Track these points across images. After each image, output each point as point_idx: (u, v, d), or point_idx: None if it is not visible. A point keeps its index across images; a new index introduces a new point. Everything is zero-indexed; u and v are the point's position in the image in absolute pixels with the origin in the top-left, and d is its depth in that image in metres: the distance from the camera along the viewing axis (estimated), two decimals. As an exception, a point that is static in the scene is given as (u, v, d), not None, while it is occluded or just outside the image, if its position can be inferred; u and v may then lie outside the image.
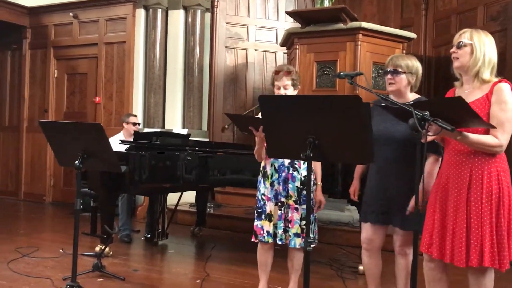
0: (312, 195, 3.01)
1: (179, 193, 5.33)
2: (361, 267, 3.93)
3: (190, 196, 5.82)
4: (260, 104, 2.34)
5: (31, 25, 7.71)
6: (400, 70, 2.70)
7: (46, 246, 4.67)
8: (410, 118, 2.11)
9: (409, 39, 5.34)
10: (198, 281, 3.69)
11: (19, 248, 4.47)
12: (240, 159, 4.34)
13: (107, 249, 4.16)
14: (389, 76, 2.72)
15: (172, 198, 5.28)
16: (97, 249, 4.19)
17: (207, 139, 6.48)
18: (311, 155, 2.20)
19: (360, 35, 4.99)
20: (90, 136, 3.02)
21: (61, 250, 4.46)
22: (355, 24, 5.02)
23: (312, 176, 3.02)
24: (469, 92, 2.37)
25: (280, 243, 3.00)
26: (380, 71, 5.07)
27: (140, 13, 6.82)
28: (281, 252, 3.24)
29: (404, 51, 5.21)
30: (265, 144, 2.99)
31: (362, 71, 4.49)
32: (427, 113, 2.10)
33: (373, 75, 5.09)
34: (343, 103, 2.19)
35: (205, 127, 6.74)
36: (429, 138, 2.23)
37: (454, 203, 2.33)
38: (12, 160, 7.89)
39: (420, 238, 2.42)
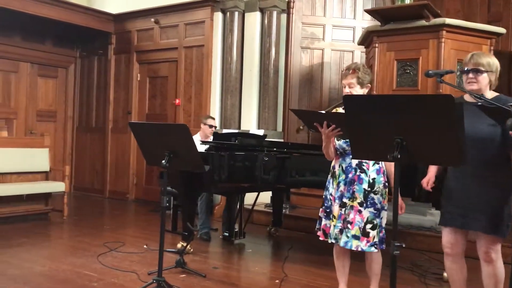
0: (382, 199, 2.92)
1: (255, 194, 5.39)
2: (446, 274, 3.76)
3: (265, 197, 5.87)
4: (344, 104, 2.30)
5: (116, 31, 8.14)
6: (482, 68, 2.57)
7: (130, 241, 4.91)
8: (509, 118, 1.99)
9: (497, 34, 5.03)
10: (277, 281, 3.70)
11: (107, 242, 4.72)
12: (316, 160, 4.30)
13: (188, 246, 4.29)
14: (470, 75, 2.59)
15: (247, 198, 5.35)
16: (179, 246, 4.34)
17: (282, 140, 6.49)
18: (399, 156, 2.14)
19: (444, 32, 4.78)
20: (176, 136, 3.13)
21: (145, 246, 4.67)
22: (439, 20, 4.81)
23: (383, 178, 2.94)
24: None
25: (333, 241, 2.94)
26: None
27: (218, 16, 6.99)
28: (361, 255, 3.18)
29: (492, 48, 4.92)
30: (334, 143, 2.96)
31: (446, 69, 4.30)
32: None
33: (458, 74, 4.85)
34: (434, 102, 2.09)
35: (280, 128, 6.76)
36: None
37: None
38: (98, 159, 8.38)
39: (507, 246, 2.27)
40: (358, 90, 2.92)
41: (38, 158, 6.02)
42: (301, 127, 6.57)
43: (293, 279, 3.78)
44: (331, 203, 3.01)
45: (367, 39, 5.48)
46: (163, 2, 7.47)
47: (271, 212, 5.64)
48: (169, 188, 4.82)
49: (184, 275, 3.75)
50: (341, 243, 2.89)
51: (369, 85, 3.00)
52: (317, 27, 6.82)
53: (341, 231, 2.91)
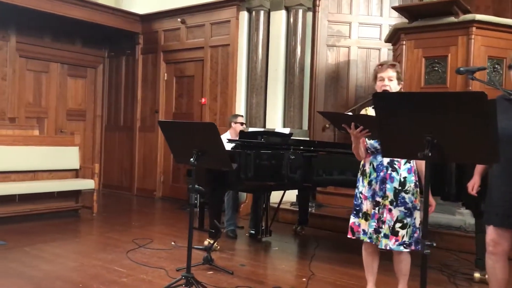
0: (413, 198, 2.89)
1: (281, 192, 5.39)
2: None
3: (291, 195, 5.87)
4: (374, 102, 2.29)
5: (143, 32, 8.26)
6: None
7: (158, 238, 4.98)
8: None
9: (529, 30, 4.92)
10: (304, 279, 3.71)
11: (135, 239, 4.80)
12: (343, 158, 4.29)
13: (215, 243, 4.33)
14: None
15: (273, 196, 5.35)
16: (206, 243, 4.38)
17: (307, 138, 6.48)
18: (430, 154, 2.12)
19: (474, 28, 4.71)
20: (204, 135, 3.17)
21: (172, 243, 4.73)
22: (468, 16, 4.74)
23: (414, 177, 2.91)
24: None
25: (369, 241, 2.93)
26: (496, 66, 4.75)
27: (243, 15, 7.02)
28: (389, 255, 3.15)
29: (524, 44, 4.82)
30: (365, 143, 2.94)
31: (477, 66, 4.23)
32: None
33: (488, 70, 4.76)
34: (466, 99, 2.07)
35: (305, 126, 6.75)
36: None
37: None
38: (126, 158, 8.52)
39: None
40: (395, 85, 2.91)
41: (69, 156, 6.17)
42: (327, 126, 6.55)
43: (320, 277, 3.77)
44: (361, 201, 3.00)
45: (394, 37, 5.43)
46: (190, 2, 7.54)
47: (297, 210, 5.64)
48: (196, 186, 4.89)
49: (211, 272, 3.79)
50: (375, 242, 2.89)
51: (402, 82, 2.98)
52: (343, 25, 6.78)
53: (375, 231, 2.90)
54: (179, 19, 7.66)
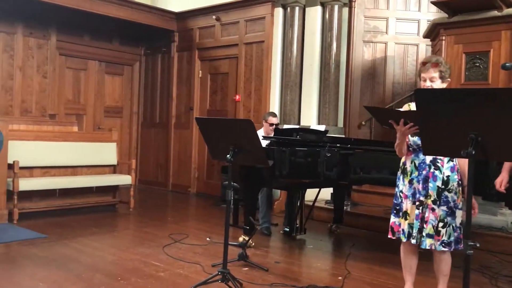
0: (456, 197, 2.81)
1: (315, 190, 5.36)
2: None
3: (325, 193, 5.82)
4: (415, 98, 2.24)
5: (178, 29, 8.35)
6: None
7: (193, 233, 5.03)
8: None
9: None
10: (340, 278, 3.67)
11: (171, 234, 4.87)
12: (381, 156, 4.22)
13: (250, 240, 4.34)
14: None
15: (307, 194, 5.32)
16: (241, 239, 4.40)
17: (343, 136, 6.41)
18: (473, 152, 2.06)
19: (519, 22, 4.55)
20: (241, 131, 3.17)
21: (208, 239, 4.77)
22: (513, 10, 4.58)
23: (457, 176, 2.83)
24: None
25: (414, 242, 2.85)
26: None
27: (278, 12, 7.00)
28: (427, 255, 3.09)
29: None
30: (407, 140, 2.88)
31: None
32: None
33: (533, 66, 4.59)
34: (513, 96, 1.99)
35: (340, 123, 6.68)
36: None
37: None
38: (161, 154, 8.65)
39: None
40: (438, 85, 2.82)
41: (107, 152, 6.30)
42: (363, 123, 6.46)
43: (356, 276, 3.73)
44: (401, 200, 2.94)
45: (433, 32, 5.31)
46: (224, -1, 7.59)
47: (332, 208, 5.59)
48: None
49: (246, 268, 3.80)
50: (419, 242, 2.82)
51: (449, 79, 2.89)
52: (380, 20, 6.66)
53: (420, 231, 2.83)
54: (213, 17, 7.70)
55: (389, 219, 3.00)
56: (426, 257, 3.08)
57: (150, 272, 3.64)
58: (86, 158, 6.11)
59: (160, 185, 8.58)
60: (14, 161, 5.13)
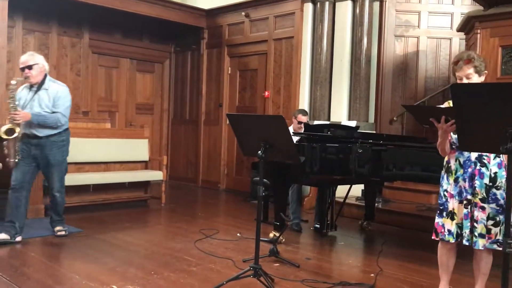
0: (504, 193, 2.73)
1: (346, 186, 5.31)
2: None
3: (356, 190, 5.77)
4: (452, 93, 2.20)
5: (208, 26, 8.40)
6: None
7: (224, 229, 5.06)
8: None
9: None
10: (372, 275, 3.63)
11: (202, 229, 4.92)
12: (414, 152, 4.13)
13: (280, 236, 4.34)
14: None
15: (338, 191, 5.27)
16: (271, 235, 4.41)
17: (373, 132, 6.33)
18: (513, 148, 2.00)
19: (559, 14, 4.39)
20: (272, 127, 3.17)
21: (238, 234, 4.80)
22: (552, 1, 4.42)
23: (505, 172, 2.75)
24: None
25: (467, 243, 2.77)
26: None
27: (308, 7, 6.96)
28: (463, 253, 3.02)
29: None
30: (449, 138, 2.80)
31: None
32: None
33: None
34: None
35: (371, 119, 6.60)
36: None
37: None
38: (191, 150, 8.73)
39: None
40: (476, 80, 2.75)
41: (139, 149, 6.40)
42: (394, 119, 6.37)
43: (389, 273, 3.68)
44: (446, 199, 2.85)
45: (467, 25, 5.19)
46: (253, -5, 7.59)
47: (362, 205, 5.53)
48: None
49: (277, 264, 3.80)
50: (475, 245, 2.74)
51: (486, 72, 2.81)
52: (412, 14, 6.54)
53: (471, 230, 2.75)
54: (243, 13, 7.71)
55: (421, 216, 2.94)
56: (461, 255, 3.02)
57: (182, 266, 3.68)
58: (119, 154, 6.22)
59: (190, 181, 8.67)
60: (50, 157, 5.25)
